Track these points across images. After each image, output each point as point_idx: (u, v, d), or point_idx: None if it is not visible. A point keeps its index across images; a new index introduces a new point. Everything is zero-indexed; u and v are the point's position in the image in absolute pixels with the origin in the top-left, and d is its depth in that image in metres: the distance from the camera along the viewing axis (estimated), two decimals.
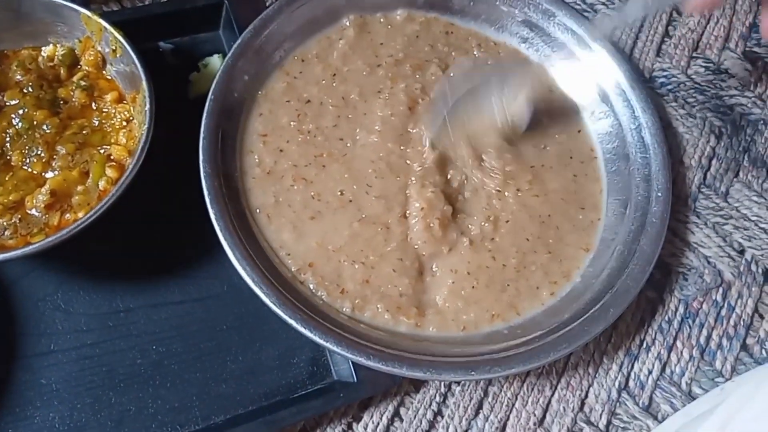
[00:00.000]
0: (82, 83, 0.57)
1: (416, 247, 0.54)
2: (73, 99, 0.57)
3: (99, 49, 0.58)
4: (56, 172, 0.54)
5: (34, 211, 0.52)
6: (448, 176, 0.57)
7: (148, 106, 0.53)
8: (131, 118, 0.56)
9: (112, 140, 0.56)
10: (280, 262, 0.52)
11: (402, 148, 0.58)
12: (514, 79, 0.58)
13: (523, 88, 0.58)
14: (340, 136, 0.59)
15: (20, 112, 0.55)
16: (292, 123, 0.59)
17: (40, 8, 0.56)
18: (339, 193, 0.56)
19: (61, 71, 0.58)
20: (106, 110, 0.57)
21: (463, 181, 0.57)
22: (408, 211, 0.55)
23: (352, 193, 0.56)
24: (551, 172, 0.60)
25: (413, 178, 0.56)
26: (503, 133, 0.58)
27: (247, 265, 0.49)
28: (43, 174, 0.54)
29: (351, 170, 0.57)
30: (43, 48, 0.59)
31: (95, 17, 0.55)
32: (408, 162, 0.57)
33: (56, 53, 0.58)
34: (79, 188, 0.53)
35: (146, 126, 0.52)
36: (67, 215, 0.52)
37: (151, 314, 0.55)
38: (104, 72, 0.59)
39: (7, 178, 0.53)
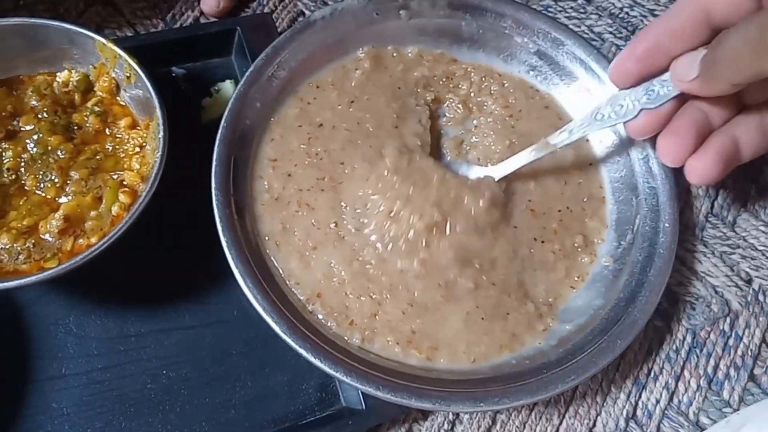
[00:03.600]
0: (96, 109, 0.58)
1: (419, 293, 0.54)
2: (87, 124, 0.58)
3: (113, 75, 0.58)
4: (69, 197, 0.54)
5: (47, 236, 0.53)
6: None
7: (161, 133, 0.53)
8: (144, 144, 0.57)
9: (125, 166, 0.56)
10: (290, 291, 0.53)
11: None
12: None
13: None
14: (342, 160, 0.59)
15: (35, 137, 0.55)
16: (302, 146, 0.59)
17: (56, 35, 0.57)
18: (333, 225, 0.56)
19: (76, 97, 0.59)
20: (119, 136, 0.58)
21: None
22: (405, 266, 0.55)
23: (344, 228, 0.55)
24: (570, 216, 0.60)
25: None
26: None
27: (258, 293, 0.49)
28: (56, 199, 0.54)
29: (342, 200, 0.57)
30: (58, 74, 0.59)
31: (110, 44, 0.56)
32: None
33: (71, 79, 0.59)
34: (93, 213, 0.54)
35: (159, 153, 0.52)
36: (81, 240, 0.53)
37: (161, 339, 0.55)
38: (118, 98, 0.59)
39: (21, 203, 0.54)
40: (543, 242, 0.58)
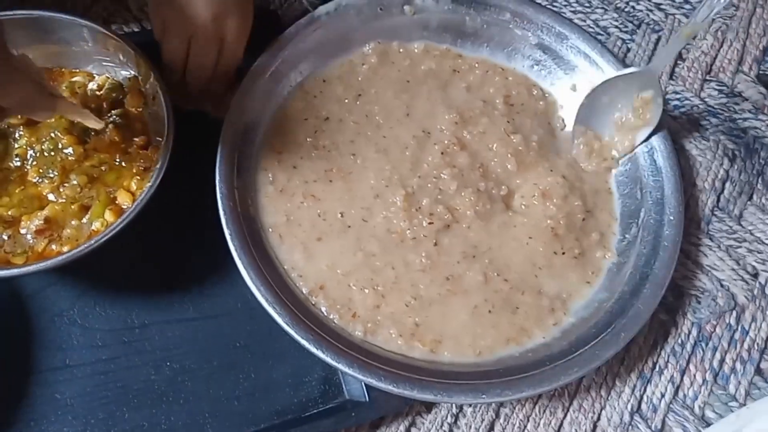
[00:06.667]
0: (118, 120, 0.57)
1: (425, 286, 0.54)
2: (105, 132, 0.57)
3: (143, 90, 0.58)
4: (62, 200, 0.54)
5: (25, 232, 0.52)
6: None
7: (159, 164, 0.52)
8: (149, 167, 0.55)
9: (124, 184, 0.55)
10: (293, 283, 0.53)
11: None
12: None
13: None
14: (352, 152, 0.59)
15: (51, 134, 0.56)
16: (308, 139, 0.59)
17: (109, 43, 0.57)
18: (339, 215, 0.56)
19: (104, 104, 0.59)
20: (130, 151, 0.57)
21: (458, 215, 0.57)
22: (411, 259, 0.55)
23: (351, 218, 0.56)
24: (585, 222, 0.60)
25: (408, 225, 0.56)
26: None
27: (261, 285, 0.50)
28: (47, 196, 0.54)
29: (351, 191, 0.57)
30: (96, 76, 0.60)
31: (147, 62, 0.56)
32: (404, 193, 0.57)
33: (106, 84, 0.59)
34: (74, 223, 0.53)
35: (149, 184, 0.51)
36: (53, 246, 0.52)
37: (165, 331, 0.55)
38: (143, 113, 0.59)
39: (17, 191, 0.54)
40: (564, 253, 0.57)
